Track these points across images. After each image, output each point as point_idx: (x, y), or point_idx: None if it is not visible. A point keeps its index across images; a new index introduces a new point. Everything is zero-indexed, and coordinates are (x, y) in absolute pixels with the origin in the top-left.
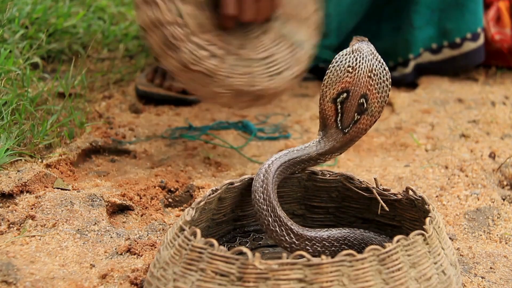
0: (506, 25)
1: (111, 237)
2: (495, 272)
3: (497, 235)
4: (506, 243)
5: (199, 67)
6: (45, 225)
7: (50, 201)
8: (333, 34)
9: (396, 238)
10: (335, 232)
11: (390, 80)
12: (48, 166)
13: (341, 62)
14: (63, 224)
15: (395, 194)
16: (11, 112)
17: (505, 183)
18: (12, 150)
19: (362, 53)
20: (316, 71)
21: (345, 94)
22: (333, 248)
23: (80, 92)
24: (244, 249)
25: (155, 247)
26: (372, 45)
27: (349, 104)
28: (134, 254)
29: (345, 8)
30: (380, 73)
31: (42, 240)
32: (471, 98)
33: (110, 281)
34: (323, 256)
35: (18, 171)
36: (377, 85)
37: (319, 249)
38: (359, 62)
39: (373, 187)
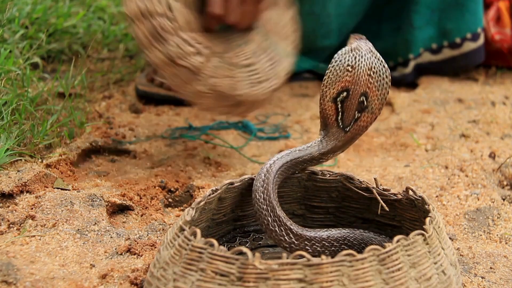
0: (506, 25)
1: (111, 237)
2: (495, 272)
3: (497, 235)
4: (506, 243)
5: (185, 62)
6: (45, 225)
7: (50, 201)
8: (334, 35)
9: (396, 238)
10: (334, 232)
11: (390, 77)
12: (48, 166)
13: (340, 61)
14: (63, 224)
15: (395, 194)
16: (11, 112)
17: (505, 183)
18: (12, 150)
19: (361, 52)
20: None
21: (345, 93)
22: (332, 248)
23: (80, 92)
24: (244, 249)
25: (155, 247)
26: (370, 43)
27: (350, 102)
28: (134, 254)
29: (346, 8)
30: (380, 71)
31: (42, 240)
32: (471, 98)
33: (110, 281)
34: (323, 256)
35: (18, 171)
36: (377, 83)
37: (318, 249)
38: (358, 61)
39: (373, 187)
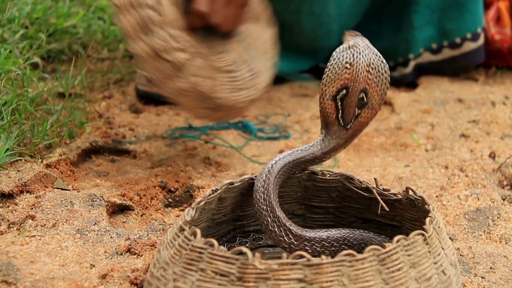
0: (506, 25)
1: (111, 237)
2: (495, 272)
3: (497, 235)
4: (506, 243)
5: (169, 56)
6: (45, 225)
7: (50, 201)
8: (334, 35)
9: (396, 238)
10: (334, 233)
11: (389, 72)
12: (48, 166)
13: (338, 59)
14: (63, 224)
15: (395, 194)
16: (11, 112)
17: (505, 183)
18: (12, 150)
19: (359, 48)
20: (316, 71)
21: (344, 91)
22: (332, 248)
23: (80, 92)
24: (244, 249)
25: (155, 247)
26: (366, 39)
27: (349, 100)
28: (134, 254)
29: (346, 8)
30: (378, 66)
31: (42, 240)
32: (471, 98)
33: (110, 281)
34: (323, 256)
35: (18, 171)
36: (376, 79)
37: (318, 249)
38: (357, 58)
39: (373, 187)
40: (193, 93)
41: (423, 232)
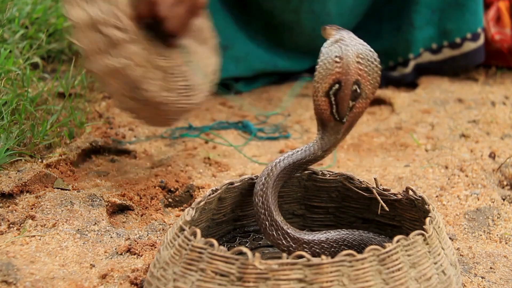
0: (506, 25)
1: (111, 237)
2: (495, 272)
3: (497, 235)
4: (506, 243)
5: (107, 30)
6: (45, 225)
7: (50, 201)
8: None
9: (396, 238)
10: (333, 234)
11: (378, 59)
12: (48, 166)
13: (328, 54)
14: (63, 224)
15: (395, 194)
16: (11, 112)
17: (505, 183)
18: (12, 150)
19: (345, 41)
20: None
21: (337, 85)
22: (332, 250)
23: (80, 92)
24: (244, 249)
25: (155, 247)
26: (350, 31)
27: (343, 93)
28: (134, 254)
29: (347, 8)
30: (367, 55)
31: (42, 240)
32: (471, 98)
33: (110, 281)
34: (323, 256)
35: (18, 171)
36: (367, 68)
37: (317, 251)
38: (345, 50)
39: (373, 187)
40: (121, 76)
41: (423, 232)
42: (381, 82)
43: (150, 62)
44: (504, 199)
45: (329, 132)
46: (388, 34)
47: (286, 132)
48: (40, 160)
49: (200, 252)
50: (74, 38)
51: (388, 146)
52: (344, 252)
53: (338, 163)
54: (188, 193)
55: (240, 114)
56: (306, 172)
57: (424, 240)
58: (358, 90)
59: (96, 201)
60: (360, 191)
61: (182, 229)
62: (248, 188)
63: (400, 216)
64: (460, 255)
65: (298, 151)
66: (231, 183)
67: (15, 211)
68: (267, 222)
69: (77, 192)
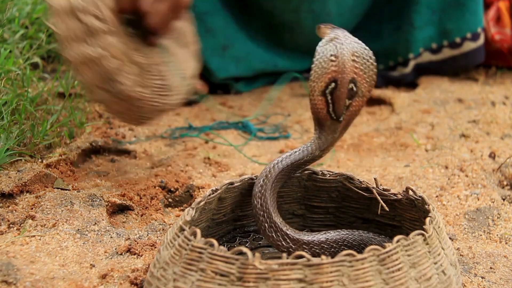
0: (506, 25)
1: (111, 237)
2: (495, 272)
3: (497, 235)
4: (506, 243)
5: (85, 18)
6: (45, 225)
7: (50, 201)
8: None
9: (396, 238)
10: (333, 234)
11: (374, 57)
12: (48, 166)
13: (323, 53)
14: (63, 224)
15: (395, 194)
16: (11, 112)
17: (505, 183)
18: (12, 150)
19: (340, 39)
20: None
21: (333, 84)
22: (332, 250)
23: (80, 92)
24: (244, 249)
25: (155, 247)
26: (344, 30)
27: (340, 92)
28: (134, 254)
29: (347, 8)
30: (363, 53)
31: (42, 240)
32: (471, 98)
33: (110, 281)
34: (323, 256)
35: (18, 171)
36: (363, 66)
37: (317, 251)
38: (340, 49)
39: (373, 187)
40: (96, 66)
41: (423, 232)
42: (381, 82)
43: (127, 56)
44: (504, 199)
45: (326, 131)
46: (388, 34)
47: (286, 132)
48: (40, 160)
49: (200, 252)
50: (51, 23)
51: (388, 146)
52: (344, 252)
53: (338, 163)
54: (188, 193)
55: (240, 114)
56: (306, 172)
57: (424, 240)
58: (355, 89)
59: (96, 201)
60: (360, 191)
61: (182, 229)
62: (248, 188)
63: (400, 216)
64: (460, 255)
65: (296, 152)
66: (231, 183)
67: (15, 211)
68: (266, 224)
69: (77, 192)
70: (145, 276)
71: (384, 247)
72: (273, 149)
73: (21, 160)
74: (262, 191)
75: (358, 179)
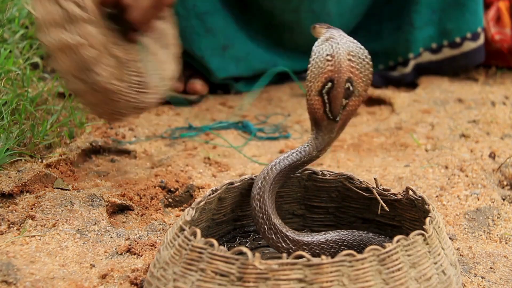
0: (506, 25)
1: (111, 237)
2: (495, 272)
3: (497, 235)
4: (506, 243)
5: (65, 4)
6: (45, 225)
7: (50, 201)
8: None
9: (396, 238)
10: (333, 235)
11: (369, 56)
12: (48, 166)
13: (319, 53)
14: (63, 224)
15: (395, 194)
16: (11, 112)
17: (505, 183)
18: (12, 150)
19: (336, 39)
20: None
21: (329, 84)
22: (332, 250)
23: None
24: (244, 249)
25: (155, 247)
26: (340, 30)
27: (336, 92)
28: (134, 254)
29: (347, 8)
30: (358, 53)
31: (42, 240)
32: (471, 98)
33: (110, 281)
34: (323, 256)
35: (18, 171)
36: (359, 66)
37: (317, 252)
38: (336, 48)
39: (373, 187)
40: (73, 54)
41: (423, 232)
42: (381, 82)
43: (105, 48)
44: (504, 199)
45: (323, 131)
46: (388, 34)
47: (286, 132)
48: (40, 160)
49: (200, 252)
50: (31, 6)
51: (388, 146)
52: (344, 252)
53: (338, 163)
54: (188, 193)
55: (240, 114)
56: (306, 172)
57: (424, 240)
58: (351, 88)
59: (96, 201)
60: (360, 191)
61: (182, 229)
62: (248, 188)
63: (400, 216)
64: (460, 255)
65: (293, 153)
66: (231, 183)
67: (15, 211)
68: (265, 226)
69: (77, 192)
70: (145, 276)
71: (384, 247)
72: (273, 149)
73: (21, 160)
74: (261, 193)
75: (358, 179)
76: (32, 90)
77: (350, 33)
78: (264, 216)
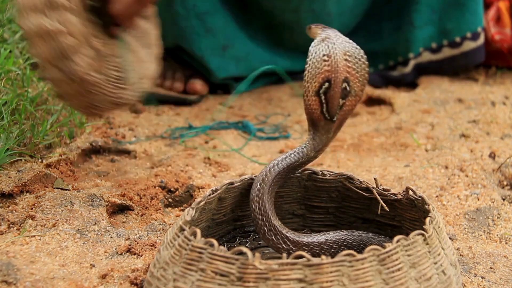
0: (506, 25)
1: (111, 237)
2: (495, 272)
3: (497, 235)
4: (506, 243)
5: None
6: (45, 225)
7: (50, 201)
8: None
9: (396, 238)
10: (332, 235)
11: (365, 56)
12: (48, 166)
13: (316, 53)
14: (63, 224)
15: (395, 194)
16: (11, 112)
17: (505, 183)
18: (12, 150)
19: (332, 39)
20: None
21: (327, 84)
22: (332, 250)
23: None
24: (244, 249)
25: (155, 247)
26: (335, 30)
27: (333, 92)
28: (134, 254)
29: (347, 8)
30: (354, 53)
31: (42, 240)
32: (471, 98)
33: (110, 281)
34: (323, 256)
35: (18, 171)
36: (355, 65)
37: (318, 252)
38: (332, 48)
39: (373, 187)
40: (52, 41)
41: (423, 232)
42: (381, 82)
43: (85, 38)
44: (504, 199)
45: (320, 132)
46: (388, 33)
47: (286, 132)
48: (40, 160)
49: (200, 252)
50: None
51: (388, 146)
52: (344, 252)
53: (338, 163)
54: (188, 193)
55: (240, 114)
56: (306, 172)
57: (424, 240)
58: (348, 88)
59: (96, 201)
60: (360, 191)
61: (182, 229)
62: (248, 188)
63: (400, 216)
64: (460, 255)
65: (291, 154)
66: (231, 183)
67: (15, 211)
68: (265, 228)
69: (77, 192)
70: (145, 276)
71: (384, 247)
72: (273, 149)
73: (21, 160)
74: (260, 195)
75: (358, 179)
76: (32, 90)
77: (350, 33)
78: (264, 218)
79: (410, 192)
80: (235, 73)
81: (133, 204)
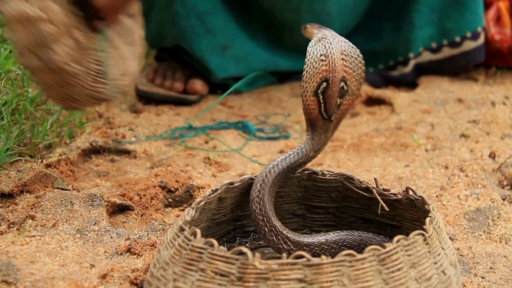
0: (506, 25)
1: (111, 237)
2: (495, 272)
3: (497, 235)
4: (506, 243)
5: None
6: (45, 225)
7: (50, 201)
8: None
9: (396, 238)
10: (332, 235)
11: (361, 55)
12: (48, 166)
13: (313, 53)
14: (63, 224)
15: (395, 194)
16: (11, 112)
17: (505, 183)
18: (12, 150)
19: (329, 39)
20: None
21: (325, 84)
22: (332, 251)
23: None
24: (244, 249)
25: (155, 247)
26: (331, 29)
27: (331, 91)
28: (134, 254)
29: (347, 8)
30: (351, 52)
31: (42, 240)
32: (471, 98)
33: (110, 281)
34: (323, 256)
35: (18, 171)
36: (352, 65)
37: (318, 252)
38: (329, 48)
39: (373, 187)
40: (31, 27)
41: (423, 232)
42: (381, 82)
43: (66, 28)
44: (504, 199)
45: (318, 131)
46: (388, 33)
47: (286, 132)
48: (40, 160)
49: (200, 252)
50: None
51: (388, 146)
52: (344, 252)
53: (338, 163)
54: (188, 193)
55: (240, 114)
56: (306, 172)
57: (424, 240)
58: (345, 87)
59: (96, 201)
60: (360, 191)
61: (182, 229)
62: (248, 188)
63: (400, 216)
64: (460, 255)
65: (290, 154)
66: (231, 183)
67: (15, 211)
68: (266, 228)
69: (77, 192)
70: (145, 276)
71: (384, 247)
72: (273, 149)
73: (21, 160)
74: (260, 195)
75: (358, 179)
76: (32, 90)
77: (350, 33)
78: (264, 219)
79: (410, 192)
80: (235, 73)
81: (133, 204)
